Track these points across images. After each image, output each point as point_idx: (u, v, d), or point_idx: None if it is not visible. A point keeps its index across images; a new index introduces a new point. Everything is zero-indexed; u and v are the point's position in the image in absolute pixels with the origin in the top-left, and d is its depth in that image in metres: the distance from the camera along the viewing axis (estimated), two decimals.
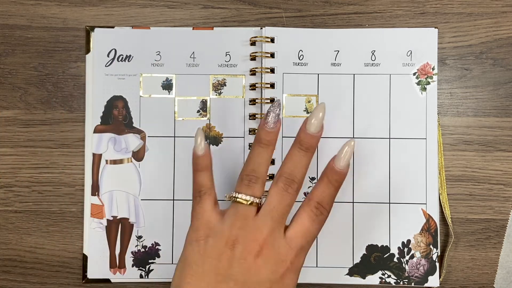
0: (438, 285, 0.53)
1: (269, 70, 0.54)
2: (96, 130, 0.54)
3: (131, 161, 0.54)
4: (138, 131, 0.54)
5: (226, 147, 0.54)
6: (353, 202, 0.53)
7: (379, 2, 0.55)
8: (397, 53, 0.54)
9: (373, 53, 0.54)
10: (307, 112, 0.54)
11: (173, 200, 0.54)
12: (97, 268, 0.54)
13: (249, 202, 0.39)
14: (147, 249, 0.54)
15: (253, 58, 0.54)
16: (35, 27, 0.55)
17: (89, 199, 0.54)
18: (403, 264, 0.53)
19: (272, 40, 0.54)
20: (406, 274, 0.53)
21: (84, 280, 0.54)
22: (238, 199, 0.39)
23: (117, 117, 0.54)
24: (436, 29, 0.54)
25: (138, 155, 0.54)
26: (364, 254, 0.53)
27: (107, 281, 0.54)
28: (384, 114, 0.54)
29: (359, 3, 0.55)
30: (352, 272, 0.53)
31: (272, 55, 0.54)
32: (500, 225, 0.54)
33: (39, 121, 0.55)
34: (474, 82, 0.55)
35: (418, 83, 0.54)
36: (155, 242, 0.54)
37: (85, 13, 0.55)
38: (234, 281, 0.37)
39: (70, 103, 0.55)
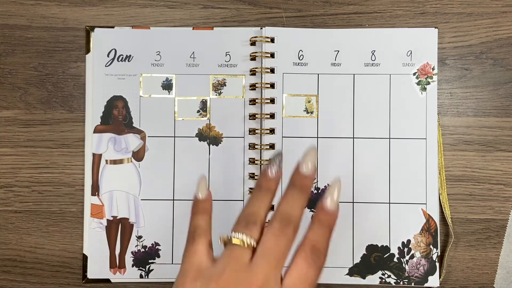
0: (438, 285, 0.53)
1: (269, 70, 0.54)
2: (96, 130, 0.54)
3: (131, 161, 0.54)
4: (138, 131, 0.54)
5: (226, 147, 0.54)
6: (353, 202, 0.53)
7: (379, 2, 0.55)
8: (397, 53, 0.54)
9: (373, 53, 0.54)
10: (307, 112, 0.54)
11: (173, 200, 0.54)
12: (97, 268, 0.54)
13: (245, 243, 0.35)
14: (147, 249, 0.54)
15: (253, 58, 0.54)
16: (35, 27, 0.55)
17: (89, 199, 0.54)
18: (403, 264, 0.53)
19: (272, 40, 0.54)
20: (406, 274, 0.53)
21: (84, 280, 0.54)
22: (233, 240, 0.35)
23: (117, 117, 0.54)
24: (436, 29, 0.54)
25: (138, 155, 0.54)
26: (364, 254, 0.53)
27: (107, 281, 0.54)
28: (384, 114, 0.54)
29: (359, 3, 0.55)
30: (352, 272, 0.53)
31: (272, 55, 0.54)
32: (500, 225, 0.54)
33: (39, 121, 0.55)
34: (474, 82, 0.55)
35: (418, 83, 0.54)
36: (155, 242, 0.54)
37: (85, 13, 0.55)
38: None
39: (70, 103, 0.55)
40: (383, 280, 0.53)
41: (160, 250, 0.54)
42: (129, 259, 0.54)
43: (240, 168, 0.54)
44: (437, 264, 0.53)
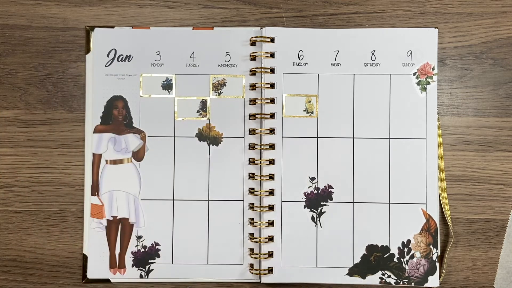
0: (438, 285, 0.53)
1: (269, 70, 0.54)
2: (96, 130, 0.54)
3: (131, 161, 0.54)
4: (138, 131, 0.54)
5: (226, 147, 0.54)
6: (353, 202, 0.53)
7: (379, 2, 0.55)
8: (397, 53, 0.54)
9: (373, 53, 0.54)
10: (307, 112, 0.54)
11: (173, 200, 0.54)
12: (97, 268, 0.54)
13: None
14: (147, 249, 0.54)
15: (253, 58, 0.54)
16: (35, 27, 0.55)
17: (89, 199, 0.54)
18: (403, 264, 0.53)
19: (272, 40, 0.54)
20: (406, 274, 0.53)
21: (84, 280, 0.54)
22: None
23: (117, 117, 0.54)
24: (436, 29, 0.54)
25: (138, 155, 0.54)
26: (364, 254, 0.53)
27: (107, 281, 0.54)
28: (384, 114, 0.54)
29: (359, 3, 0.55)
30: (352, 272, 0.53)
31: (272, 55, 0.54)
32: (500, 225, 0.54)
33: (39, 121, 0.55)
34: (474, 82, 0.55)
35: (418, 83, 0.54)
36: (155, 242, 0.54)
37: (85, 13, 0.55)
38: None
39: (70, 103, 0.55)
40: (383, 280, 0.53)
41: (160, 250, 0.54)
42: (129, 259, 0.54)
43: (240, 168, 0.54)
44: (437, 264, 0.53)
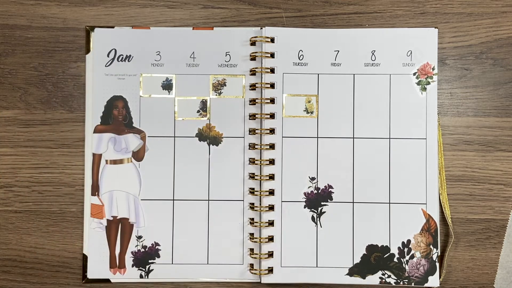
0: (438, 285, 0.53)
1: (269, 70, 0.54)
2: (96, 130, 0.54)
3: (131, 161, 0.54)
4: (138, 131, 0.54)
5: (226, 147, 0.54)
6: (353, 202, 0.53)
7: (379, 2, 0.55)
8: (397, 53, 0.54)
9: (373, 53, 0.54)
10: (307, 112, 0.54)
11: (173, 200, 0.54)
12: (97, 268, 0.54)
13: None
14: (147, 249, 0.54)
15: (253, 58, 0.54)
16: (35, 27, 0.55)
17: (89, 199, 0.54)
18: (403, 264, 0.53)
19: (272, 40, 0.54)
20: (406, 274, 0.53)
21: (84, 280, 0.54)
22: None
23: (117, 117, 0.54)
24: (436, 29, 0.54)
25: (138, 155, 0.54)
26: (364, 254, 0.53)
27: (107, 281, 0.54)
28: (384, 114, 0.54)
29: (359, 3, 0.55)
30: (352, 272, 0.53)
31: (272, 55, 0.54)
32: (500, 225, 0.54)
33: (39, 121, 0.55)
34: (474, 82, 0.55)
35: (418, 83, 0.54)
36: (155, 242, 0.54)
37: (85, 13, 0.55)
38: None
39: (70, 103, 0.55)
40: (383, 280, 0.53)
41: (160, 250, 0.54)
42: (129, 259, 0.54)
43: (240, 168, 0.54)
44: (437, 264, 0.53)
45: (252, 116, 0.54)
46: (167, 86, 0.55)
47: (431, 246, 0.53)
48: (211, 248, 0.54)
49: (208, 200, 0.54)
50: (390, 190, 0.53)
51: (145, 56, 0.55)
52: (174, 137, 0.54)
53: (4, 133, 0.55)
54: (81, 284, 0.54)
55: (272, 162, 0.53)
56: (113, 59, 0.55)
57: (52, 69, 0.55)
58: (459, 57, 0.55)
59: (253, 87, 0.54)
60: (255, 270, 0.53)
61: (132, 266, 0.54)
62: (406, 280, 0.53)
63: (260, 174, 0.53)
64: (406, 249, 0.53)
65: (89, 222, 0.54)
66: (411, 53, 0.54)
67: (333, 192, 0.53)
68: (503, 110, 0.54)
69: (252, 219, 0.53)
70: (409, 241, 0.53)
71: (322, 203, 0.53)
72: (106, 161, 0.54)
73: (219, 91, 0.55)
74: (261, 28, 0.54)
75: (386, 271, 0.53)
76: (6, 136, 0.55)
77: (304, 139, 0.54)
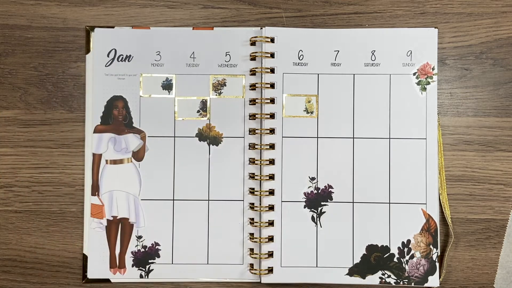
0: (438, 285, 0.53)
1: (269, 70, 0.54)
2: (96, 130, 0.54)
3: (131, 161, 0.54)
4: (138, 131, 0.54)
5: (226, 147, 0.54)
6: (353, 202, 0.53)
7: (379, 2, 0.55)
8: (397, 53, 0.54)
9: (373, 53, 0.54)
10: (307, 112, 0.54)
11: (173, 200, 0.54)
12: (97, 268, 0.54)
13: None
14: (147, 249, 0.54)
15: (253, 58, 0.54)
16: (35, 27, 0.55)
17: (89, 199, 0.54)
18: (403, 264, 0.53)
19: (272, 40, 0.54)
20: (406, 274, 0.53)
21: (84, 280, 0.54)
22: None
23: (117, 117, 0.54)
24: (436, 29, 0.54)
25: (138, 155, 0.54)
26: (364, 254, 0.53)
27: (107, 281, 0.54)
28: (384, 114, 0.54)
29: (359, 3, 0.55)
30: (352, 272, 0.53)
31: (272, 55, 0.54)
32: (500, 225, 0.54)
33: (39, 121, 0.55)
34: (474, 82, 0.55)
35: (418, 83, 0.54)
36: (155, 242, 0.54)
37: (85, 13, 0.55)
38: None
39: (70, 103, 0.55)
40: (383, 280, 0.53)
41: (160, 250, 0.54)
42: (129, 259, 0.54)
43: (240, 168, 0.54)
44: (437, 264, 0.53)
45: (252, 116, 0.54)
46: (167, 86, 0.55)
47: (431, 246, 0.53)
48: (211, 248, 0.54)
49: (208, 200, 0.54)
50: (390, 190, 0.53)
51: (145, 56, 0.55)
52: (174, 137, 0.54)
53: (4, 133, 0.55)
54: (81, 284, 0.54)
55: (272, 162, 0.53)
56: (113, 59, 0.55)
57: (52, 69, 0.55)
58: (459, 57, 0.55)
59: (253, 87, 0.54)
60: (255, 270, 0.53)
61: (132, 266, 0.54)
62: (406, 280, 0.53)
63: (260, 174, 0.53)
64: (406, 249, 0.53)
65: (89, 222, 0.54)
66: (411, 53, 0.54)
67: (333, 192, 0.53)
68: (503, 110, 0.54)
69: (252, 219, 0.53)
70: (409, 241, 0.53)
71: (322, 203, 0.53)
72: (106, 161, 0.54)
73: (219, 91, 0.55)
74: (261, 28, 0.54)
75: (386, 271, 0.53)
76: (6, 136, 0.55)
77: (304, 139, 0.54)
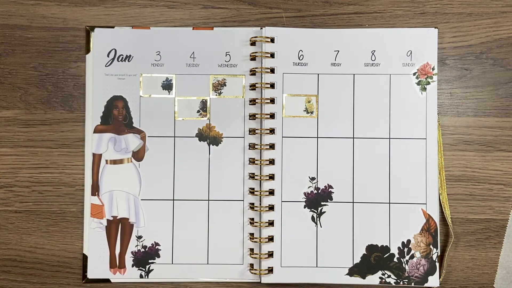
0: (438, 285, 0.53)
1: (269, 70, 0.54)
2: (96, 130, 0.54)
3: (131, 161, 0.54)
4: (138, 131, 0.54)
5: (226, 147, 0.54)
6: (353, 202, 0.53)
7: (379, 2, 0.55)
8: (397, 53, 0.54)
9: (373, 53, 0.54)
10: (307, 112, 0.54)
11: (173, 200, 0.54)
12: (97, 268, 0.54)
13: None
14: (147, 249, 0.54)
15: (253, 58, 0.54)
16: (35, 27, 0.55)
17: (89, 199, 0.54)
18: (403, 264, 0.53)
19: (272, 40, 0.54)
20: (406, 274, 0.53)
21: (84, 280, 0.54)
22: None
23: (117, 117, 0.54)
24: (436, 29, 0.54)
25: (138, 155, 0.54)
26: (364, 254, 0.53)
27: (107, 281, 0.54)
28: (384, 114, 0.54)
29: (359, 3, 0.55)
30: (352, 272, 0.53)
31: (272, 55, 0.54)
32: (500, 225, 0.54)
33: (39, 121, 0.55)
34: (474, 82, 0.55)
35: (418, 83, 0.54)
36: (155, 242, 0.54)
37: (85, 13, 0.55)
38: None
39: (70, 103, 0.55)
40: (383, 280, 0.53)
41: (160, 250, 0.54)
42: (129, 259, 0.54)
43: (240, 168, 0.54)
44: (437, 264, 0.53)
45: (252, 116, 0.54)
46: (167, 86, 0.55)
47: (431, 246, 0.53)
48: (211, 248, 0.54)
49: (208, 200, 0.54)
50: (390, 190, 0.53)
51: (145, 56, 0.55)
52: (174, 137, 0.54)
53: (4, 133, 0.55)
54: (81, 284, 0.54)
55: (272, 162, 0.53)
56: (113, 59, 0.55)
57: (52, 69, 0.55)
58: (459, 57, 0.55)
59: (253, 87, 0.54)
60: (255, 270, 0.53)
61: (132, 266, 0.54)
62: (406, 280, 0.53)
63: (260, 174, 0.53)
64: (406, 249, 0.53)
65: (89, 222, 0.54)
66: (411, 53, 0.54)
67: (333, 192, 0.53)
68: (503, 110, 0.54)
69: (252, 219, 0.53)
70: (409, 241, 0.53)
71: (322, 203, 0.53)
72: (106, 161, 0.54)
73: (219, 91, 0.55)
74: (261, 28, 0.54)
75: (386, 271, 0.53)
76: (6, 136, 0.55)
77: (304, 139, 0.54)
